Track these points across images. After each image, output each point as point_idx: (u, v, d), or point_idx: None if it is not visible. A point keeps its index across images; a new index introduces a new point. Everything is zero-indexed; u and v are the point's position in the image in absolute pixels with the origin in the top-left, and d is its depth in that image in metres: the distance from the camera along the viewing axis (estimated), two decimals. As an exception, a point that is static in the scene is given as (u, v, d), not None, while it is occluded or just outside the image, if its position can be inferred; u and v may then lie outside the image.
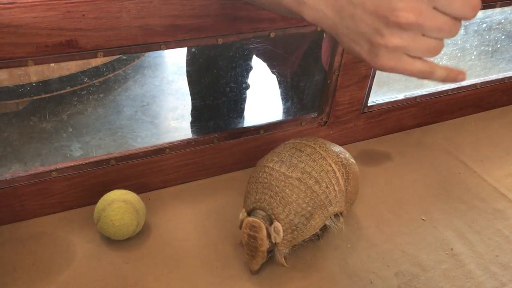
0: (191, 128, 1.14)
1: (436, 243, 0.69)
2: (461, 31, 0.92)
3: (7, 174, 0.64)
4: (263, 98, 1.33)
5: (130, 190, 0.67)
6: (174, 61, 2.21)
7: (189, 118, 1.14)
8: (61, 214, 0.70)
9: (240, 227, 0.60)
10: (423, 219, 0.73)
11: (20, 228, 0.67)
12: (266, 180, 0.60)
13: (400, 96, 0.88)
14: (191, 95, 1.09)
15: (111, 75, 1.91)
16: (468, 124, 0.97)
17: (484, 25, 0.94)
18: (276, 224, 0.58)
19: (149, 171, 0.72)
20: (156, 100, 2.01)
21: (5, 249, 0.64)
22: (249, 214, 0.60)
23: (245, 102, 1.11)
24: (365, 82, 0.80)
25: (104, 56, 0.59)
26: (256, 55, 1.00)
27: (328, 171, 0.61)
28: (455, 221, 0.73)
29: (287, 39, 0.86)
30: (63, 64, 1.66)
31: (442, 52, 0.42)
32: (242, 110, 1.12)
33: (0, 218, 0.66)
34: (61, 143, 1.71)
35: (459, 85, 0.93)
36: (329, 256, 0.66)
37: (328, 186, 0.61)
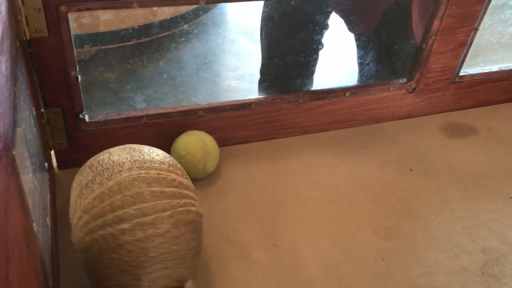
0: (259, 86, 1.12)
1: (527, 223, 0.66)
2: None
3: (101, 116, 0.65)
4: (338, 60, 1.30)
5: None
6: (236, 20, 2.18)
7: (249, 79, 1.12)
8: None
9: None
10: (512, 198, 0.70)
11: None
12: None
13: (494, 68, 0.83)
14: (262, 52, 1.07)
15: (175, 30, 1.91)
16: (563, 103, 0.91)
17: None
18: None
19: (233, 125, 0.72)
20: (218, 59, 2.00)
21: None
22: None
23: (316, 63, 1.08)
24: (461, 49, 0.76)
25: (206, 3, 0.58)
26: (335, 12, 0.97)
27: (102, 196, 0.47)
28: (548, 203, 0.70)
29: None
30: (133, 14, 1.67)
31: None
32: (313, 71, 1.09)
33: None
34: (125, 94, 1.74)
35: (558, 61, 0.87)
36: (413, 225, 0.65)
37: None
